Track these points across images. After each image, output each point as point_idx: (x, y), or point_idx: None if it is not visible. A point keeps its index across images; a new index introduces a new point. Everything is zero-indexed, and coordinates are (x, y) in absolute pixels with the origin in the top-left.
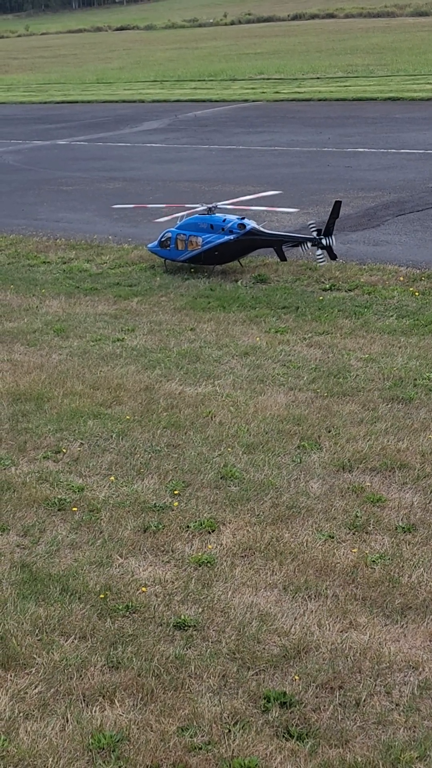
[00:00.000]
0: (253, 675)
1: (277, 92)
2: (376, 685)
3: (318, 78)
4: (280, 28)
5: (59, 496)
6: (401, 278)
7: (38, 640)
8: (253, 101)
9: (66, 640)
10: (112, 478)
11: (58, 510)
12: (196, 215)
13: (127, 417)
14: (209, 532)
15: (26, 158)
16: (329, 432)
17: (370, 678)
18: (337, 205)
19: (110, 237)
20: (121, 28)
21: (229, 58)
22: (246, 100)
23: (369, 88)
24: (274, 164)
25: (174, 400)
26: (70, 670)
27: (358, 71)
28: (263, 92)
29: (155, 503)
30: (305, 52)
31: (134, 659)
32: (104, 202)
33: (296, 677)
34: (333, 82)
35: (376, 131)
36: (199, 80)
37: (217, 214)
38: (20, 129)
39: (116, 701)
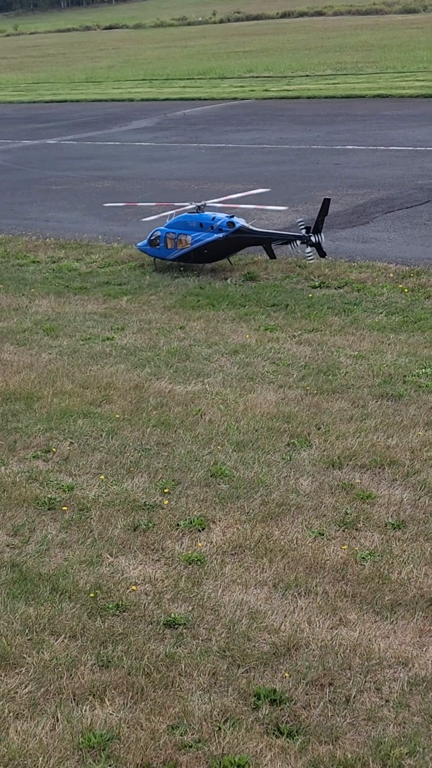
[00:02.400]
0: (243, 673)
1: (266, 90)
2: (365, 681)
3: (307, 76)
4: (269, 26)
5: (49, 496)
6: (390, 275)
7: (28, 639)
8: (242, 99)
9: (56, 640)
10: (102, 477)
11: (48, 509)
12: (185, 214)
13: (117, 416)
14: (199, 530)
15: (15, 158)
16: (319, 429)
17: (360, 674)
18: (326, 202)
19: (100, 236)
20: (110, 27)
21: (218, 57)
22: (235, 99)
23: (358, 85)
24: (264, 162)
25: (164, 398)
26: (60, 669)
27: (347, 69)
28: (252, 90)
29: (145, 502)
30: (294, 50)
31: (124, 658)
32: (94, 201)
33: (286, 674)
34: (322, 80)
35: (365, 128)
36: (188, 79)
37: (206, 213)
38: (9, 129)
39: (106, 700)
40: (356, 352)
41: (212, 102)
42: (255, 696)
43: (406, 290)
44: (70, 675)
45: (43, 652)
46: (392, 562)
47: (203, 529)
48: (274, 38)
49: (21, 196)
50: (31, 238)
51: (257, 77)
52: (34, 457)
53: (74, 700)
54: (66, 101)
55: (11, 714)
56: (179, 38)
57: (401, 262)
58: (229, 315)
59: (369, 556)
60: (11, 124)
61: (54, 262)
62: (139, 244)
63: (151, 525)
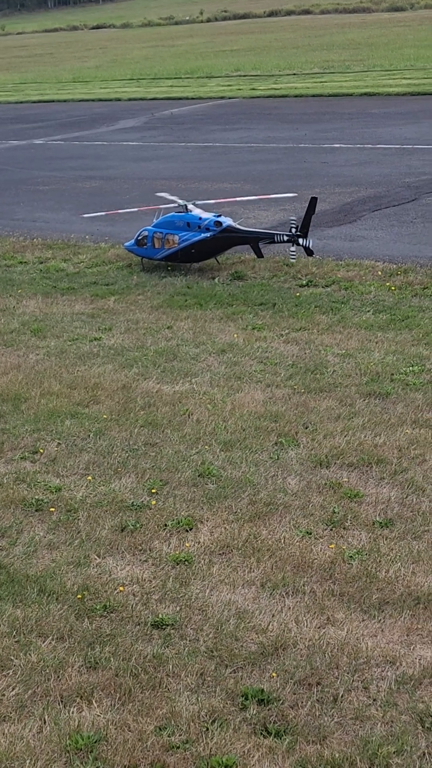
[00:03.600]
0: (230, 673)
1: (253, 89)
2: (353, 680)
3: (294, 74)
4: (256, 24)
5: (36, 497)
6: (378, 273)
7: (16, 641)
8: (230, 98)
9: (43, 641)
10: (90, 477)
11: (36, 510)
12: (173, 213)
13: (105, 416)
14: (187, 531)
15: (2, 158)
16: (306, 428)
17: (348, 673)
18: (313, 201)
19: (87, 236)
20: (98, 27)
21: (206, 56)
22: (222, 98)
23: (345, 83)
24: (251, 161)
25: (151, 398)
26: (47, 671)
27: (334, 67)
28: (239, 89)
29: (133, 502)
30: (281, 48)
31: (112, 659)
32: (81, 202)
33: (274, 674)
34: (309, 78)
35: (353, 127)
36: (175, 78)
37: (193, 212)
38: None
39: (94, 702)
40: (344, 351)
41: (199, 101)
42: (243, 696)
43: (393, 288)
44: (58, 677)
45: (30, 654)
46: (380, 561)
47: (191, 529)
48: (261, 37)
49: (8, 196)
50: (18, 238)
51: (244, 76)
52: (21, 458)
53: (62, 701)
54: (53, 101)
55: None
56: (166, 37)
57: (389, 260)
58: (217, 314)
59: (356, 555)
60: None
61: (41, 263)
62: (126, 243)
63: (138, 525)
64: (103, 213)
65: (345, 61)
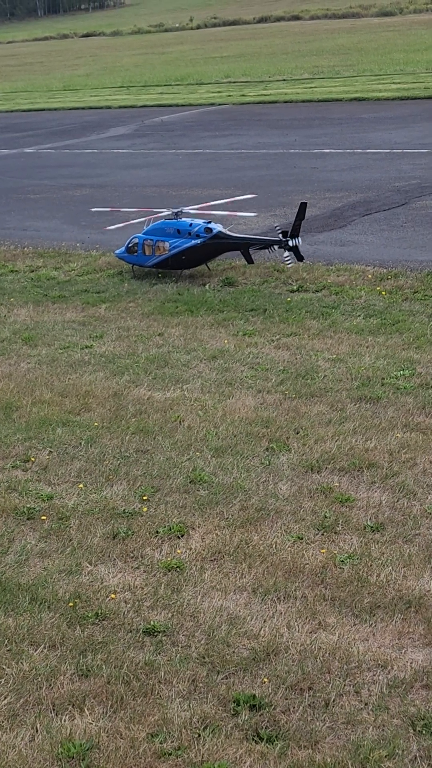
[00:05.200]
0: (222, 679)
1: (243, 95)
2: (345, 685)
3: (284, 80)
4: (246, 31)
5: (28, 505)
6: (368, 277)
7: (8, 650)
8: (220, 105)
9: (35, 650)
10: (81, 485)
11: (27, 519)
12: (163, 220)
13: (96, 424)
14: (178, 537)
15: None
16: (297, 433)
17: (339, 678)
18: (303, 206)
19: (78, 244)
20: (88, 35)
21: (196, 63)
22: (212, 104)
23: (335, 89)
24: (241, 167)
25: (142, 405)
26: (39, 679)
27: (323, 72)
28: (229, 95)
29: (124, 509)
30: (271, 54)
31: (104, 667)
32: (72, 210)
33: (266, 680)
34: (299, 84)
35: (342, 132)
36: (165, 85)
37: (183, 219)
38: None
39: (86, 709)
40: (334, 356)
41: (190, 108)
42: (234, 702)
43: (384, 293)
44: (50, 685)
45: (22, 663)
46: (371, 565)
47: (182, 535)
48: (251, 43)
49: None
50: (9, 247)
51: (234, 82)
52: (12, 466)
53: (54, 710)
54: (44, 110)
55: None
56: (157, 45)
57: (379, 264)
58: (208, 321)
59: (348, 560)
60: None
61: (32, 271)
62: (117, 251)
63: (130, 532)
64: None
65: (335, 66)
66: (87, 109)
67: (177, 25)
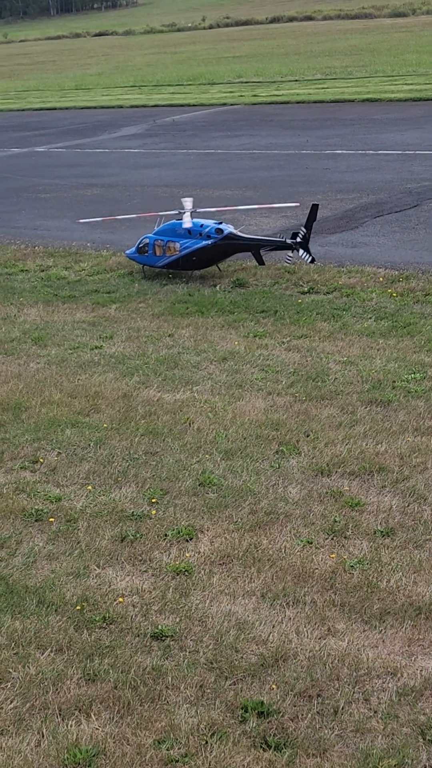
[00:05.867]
0: (230, 685)
1: (255, 95)
2: (354, 692)
3: (296, 80)
4: (259, 31)
5: (36, 507)
6: (380, 279)
7: (14, 653)
8: (232, 105)
9: (42, 654)
10: (90, 487)
11: (35, 521)
12: (173, 221)
13: (105, 425)
14: (187, 540)
15: (4, 166)
16: (308, 436)
17: (349, 685)
18: (314, 208)
19: (88, 244)
20: (100, 34)
21: (208, 62)
22: (224, 104)
23: (347, 89)
24: (253, 168)
25: (152, 407)
26: (46, 684)
27: (336, 73)
28: (242, 96)
29: (133, 512)
30: (283, 54)
31: (111, 671)
32: (83, 209)
33: (274, 686)
34: (311, 85)
35: (354, 133)
36: (177, 85)
37: (194, 219)
38: None
39: (92, 715)
40: (345, 358)
41: (201, 108)
42: (242, 708)
43: (395, 295)
44: (56, 689)
45: (28, 667)
46: (381, 570)
47: (191, 538)
48: (263, 43)
49: (9, 204)
50: (19, 246)
51: (246, 82)
52: (21, 467)
53: (60, 715)
54: (55, 109)
55: None
56: (169, 44)
57: (390, 266)
58: (218, 322)
59: (358, 565)
60: (0, 133)
61: (43, 271)
62: (127, 251)
63: (138, 535)
64: (99, 219)
65: (347, 67)
66: (98, 109)
67: (189, 25)
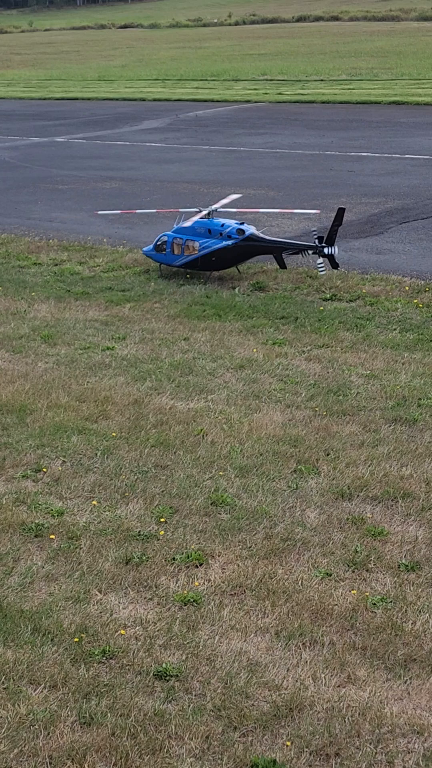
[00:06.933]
0: (239, 737)
1: (279, 93)
2: (376, 752)
3: (321, 80)
4: (285, 29)
5: (37, 521)
6: (405, 289)
7: (4, 688)
8: (256, 102)
9: (34, 690)
10: (95, 501)
11: (35, 536)
12: (197, 219)
13: (114, 433)
14: (196, 566)
15: (23, 155)
16: (328, 455)
17: (370, 744)
18: (341, 212)
19: (105, 239)
20: (125, 26)
21: (233, 59)
22: (248, 101)
23: (373, 91)
24: (276, 167)
25: (164, 415)
26: (36, 726)
27: (362, 74)
28: (266, 93)
29: (139, 531)
30: (309, 53)
31: (109, 714)
32: (101, 203)
33: (288, 742)
34: (337, 85)
35: (380, 135)
36: (201, 80)
37: (215, 219)
38: (18, 125)
39: (86, 765)
40: (368, 371)
41: (225, 104)
42: (252, 766)
43: (421, 306)
44: (48, 734)
45: (19, 705)
46: (406, 610)
47: (201, 564)
48: (289, 41)
49: (26, 194)
50: (33, 238)
51: (271, 80)
52: (23, 476)
53: (50, 763)
54: (77, 99)
55: None
56: (194, 39)
57: (416, 275)
58: (236, 327)
59: (380, 602)
60: (20, 121)
61: (56, 265)
62: (144, 248)
63: (144, 558)
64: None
65: (373, 68)
66: (121, 101)
67: (215, 21)
